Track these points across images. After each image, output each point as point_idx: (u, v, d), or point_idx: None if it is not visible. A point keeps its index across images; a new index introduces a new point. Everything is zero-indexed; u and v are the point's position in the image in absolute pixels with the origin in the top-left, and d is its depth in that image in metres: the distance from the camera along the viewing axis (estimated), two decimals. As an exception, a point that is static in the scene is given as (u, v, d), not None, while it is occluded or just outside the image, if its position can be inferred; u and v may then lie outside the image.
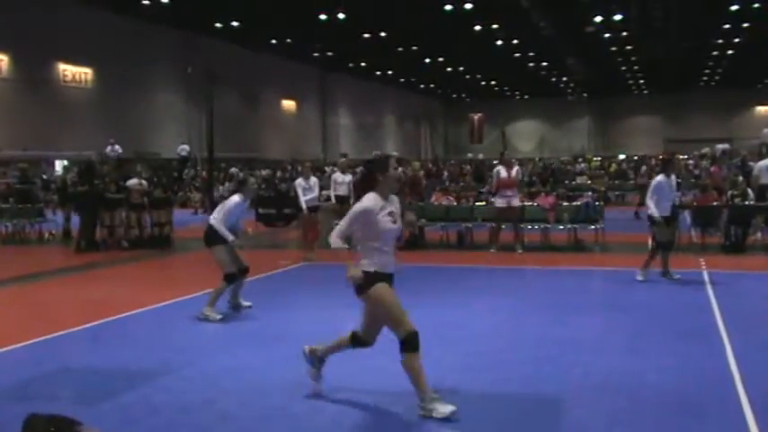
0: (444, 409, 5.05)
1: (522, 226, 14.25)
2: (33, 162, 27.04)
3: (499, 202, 14.01)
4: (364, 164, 5.85)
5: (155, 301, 9.42)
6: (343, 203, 15.23)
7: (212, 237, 8.62)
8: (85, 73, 30.61)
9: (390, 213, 5.26)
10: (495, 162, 38.26)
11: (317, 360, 5.74)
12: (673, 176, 10.73)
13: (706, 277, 10.77)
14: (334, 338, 5.79)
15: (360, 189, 5.45)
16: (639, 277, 10.45)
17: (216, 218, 8.63)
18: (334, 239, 5.29)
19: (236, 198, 8.73)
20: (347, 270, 5.24)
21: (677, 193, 11.19)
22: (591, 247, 14.24)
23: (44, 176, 26.62)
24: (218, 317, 8.42)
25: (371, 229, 5.20)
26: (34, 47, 27.24)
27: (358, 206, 5.23)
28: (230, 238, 8.53)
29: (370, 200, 5.21)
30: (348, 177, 15.55)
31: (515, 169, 14.49)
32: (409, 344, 5.15)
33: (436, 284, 10.92)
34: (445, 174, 29.25)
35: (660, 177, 10.51)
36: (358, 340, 5.56)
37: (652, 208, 10.30)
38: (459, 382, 5.99)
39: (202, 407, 5.43)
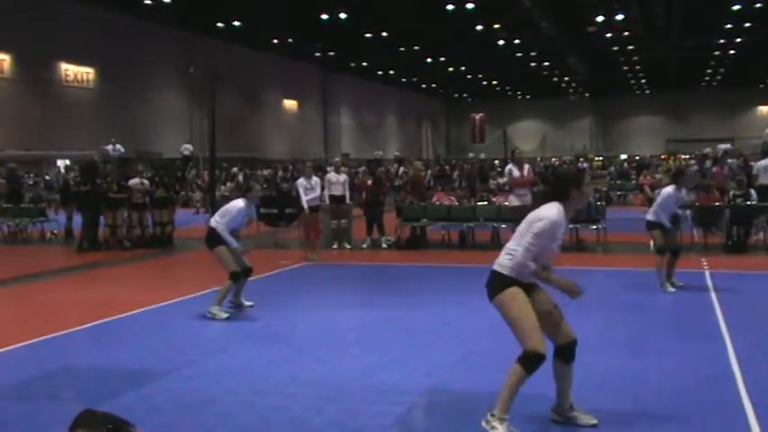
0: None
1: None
2: (35, 162, 27.11)
3: (513, 201, 13.94)
4: (556, 176, 5.28)
5: (156, 301, 9.42)
6: (339, 203, 15.21)
7: (213, 238, 8.65)
8: (87, 73, 30.64)
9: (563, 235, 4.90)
10: (496, 162, 38.37)
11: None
12: (684, 191, 10.31)
13: (708, 277, 10.75)
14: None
15: (542, 199, 4.98)
16: (671, 288, 9.84)
17: (218, 221, 8.65)
18: (531, 267, 4.75)
19: (240, 203, 8.76)
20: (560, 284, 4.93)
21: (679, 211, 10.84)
22: (592, 248, 14.23)
23: (46, 176, 26.67)
24: (225, 315, 8.45)
25: (545, 244, 4.78)
26: (36, 47, 27.26)
27: (547, 220, 4.70)
28: (234, 244, 8.61)
29: (559, 214, 4.74)
30: (343, 177, 15.50)
31: (527, 167, 14.42)
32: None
33: (438, 284, 10.92)
34: (456, 173, 29.02)
35: (670, 189, 10.00)
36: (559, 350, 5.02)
37: (660, 216, 9.82)
38: (460, 380, 5.99)
39: (203, 407, 5.43)
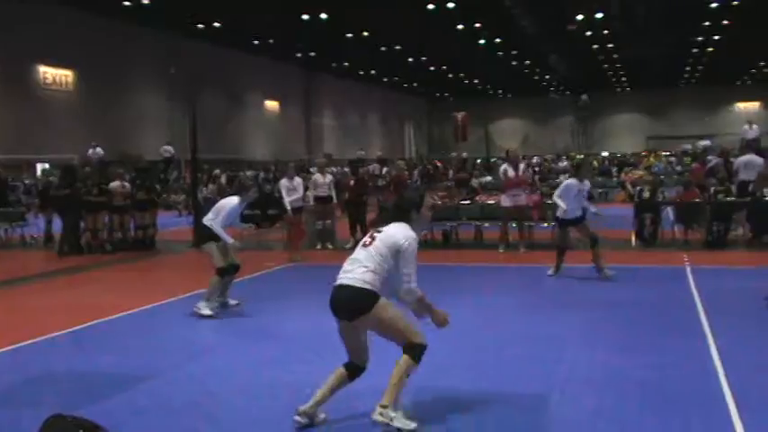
0: (408, 422, 4.77)
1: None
2: (14, 166, 26.84)
3: (506, 202, 13.92)
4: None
5: (139, 305, 9.37)
6: (325, 204, 15.19)
7: (204, 235, 8.79)
8: (66, 75, 30.39)
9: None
10: (478, 161, 38.49)
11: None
12: (586, 182, 10.96)
13: (689, 273, 10.84)
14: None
15: (388, 220, 5.17)
16: (550, 272, 10.73)
17: (212, 219, 8.67)
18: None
19: (234, 200, 8.82)
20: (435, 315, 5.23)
21: (590, 205, 11.13)
22: (575, 246, 14.28)
23: (26, 180, 26.42)
24: (209, 313, 8.48)
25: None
26: (14, 49, 27.00)
27: (412, 239, 5.10)
28: (230, 240, 8.73)
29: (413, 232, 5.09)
30: (328, 178, 15.48)
31: (522, 167, 14.42)
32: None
33: (421, 283, 10.91)
34: (451, 173, 28.83)
35: (571, 180, 10.66)
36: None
37: (561, 205, 10.49)
38: (444, 379, 6.00)
39: (188, 409, 5.41)
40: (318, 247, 14.91)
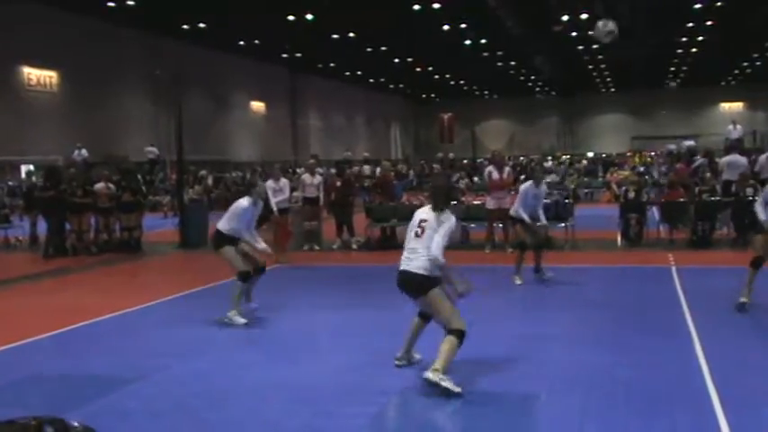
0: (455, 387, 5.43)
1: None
2: (-2, 167, 26.67)
3: (490, 204, 13.97)
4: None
5: (125, 307, 9.32)
6: (313, 205, 15.18)
7: (218, 240, 8.46)
8: (50, 76, 30.17)
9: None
10: (465, 161, 38.59)
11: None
12: (543, 187, 11.08)
13: (674, 272, 10.91)
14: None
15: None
16: (519, 281, 10.38)
17: (227, 224, 8.41)
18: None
19: (244, 202, 8.52)
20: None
21: (542, 215, 11.01)
22: (561, 245, 14.35)
23: (9, 182, 26.25)
24: (242, 321, 8.15)
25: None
26: (-3, 50, 26.81)
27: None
28: (261, 246, 8.53)
29: None
30: (317, 179, 15.46)
31: (507, 170, 14.47)
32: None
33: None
34: (457, 176, 28.54)
35: (528, 185, 10.79)
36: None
37: (520, 212, 10.56)
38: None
39: (173, 412, 5.39)
40: (305, 248, 14.88)
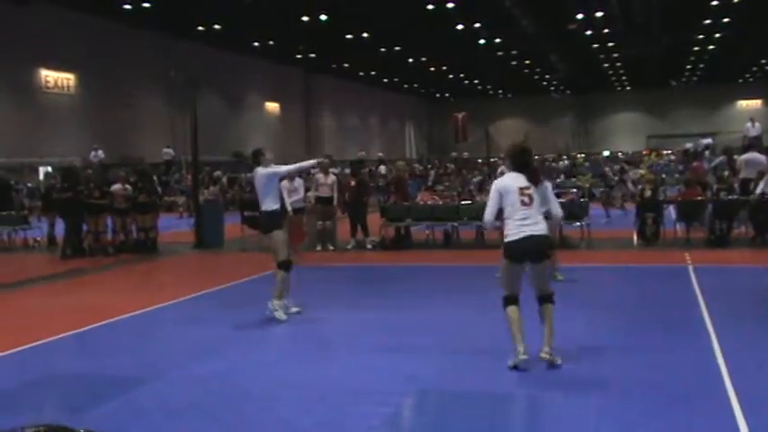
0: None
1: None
2: (17, 169, 26.88)
3: None
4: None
5: (141, 307, 9.37)
6: (326, 205, 15.17)
7: (267, 222, 8.34)
8: (68, 79, 30.40)
9: None
10: (479, 161, 38.51)
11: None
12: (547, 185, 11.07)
13: (691, 272, 10.83)
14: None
15: None
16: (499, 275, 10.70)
17: (266, 202, 8.27)
18: None
19: (259, 171, 8.38)
20: None
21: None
22: (576, 245, 14.29)
23: (28, 184, 26.45)
24: (284, 317, 8.17)
25: None
26: (15, 53, 27.00)
27: None
28: (295, 201, 8.43)
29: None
30: (331, 179, 15.46)
31: None
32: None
33: (423, 284, 10.93)
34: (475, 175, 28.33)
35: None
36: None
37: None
38: (446, 381, 6.00)
39: (190, 410, 5.41)
40: (318, 248, 14.88)
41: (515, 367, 5.97)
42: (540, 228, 6.01)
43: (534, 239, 5.97)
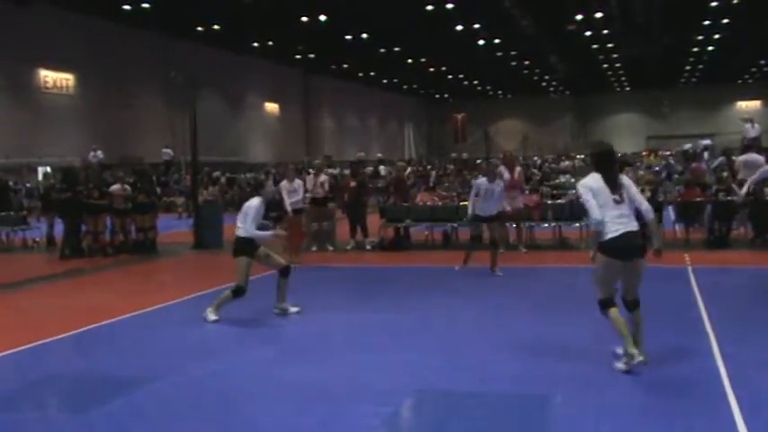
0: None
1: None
2: (16, 169, 26.87)
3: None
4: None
5: (141, 307, 9.36)
6: (320, 206, 15.14)
7: (238, 248, 8.52)
8: (67, 79, 30.41)
9: None
10: (478, 162, 38.53)
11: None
12: (498, 181, 11.51)
13: (690, 273, 10.83)
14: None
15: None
16: (456, 267, 11.40)
17: (242, 227, 8.47)
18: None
19: (255, 201, 8.61)
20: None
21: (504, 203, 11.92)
22: (576, 245, 14.29)
23: (27, 184, 26.44)
24: (213, 318, 8.39)
25: None
26: (14, 53, 27.03)
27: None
28: (268, 234, 8.67)
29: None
30: (323, 178, 15.39)
31: (518, 170, 14.52)
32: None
33: (422, 284, 10.93)
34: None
35: (481, 179, 11.41)
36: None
37: (470, 207, 11.35)
38: (446, 381, 6.00)
39: (190, 411, 5.41)
40: (314, 248, 14.85)
41: (628, 371, 5.88)
42: (635, 225, 6.01)
43: (631, 236, 5.97)
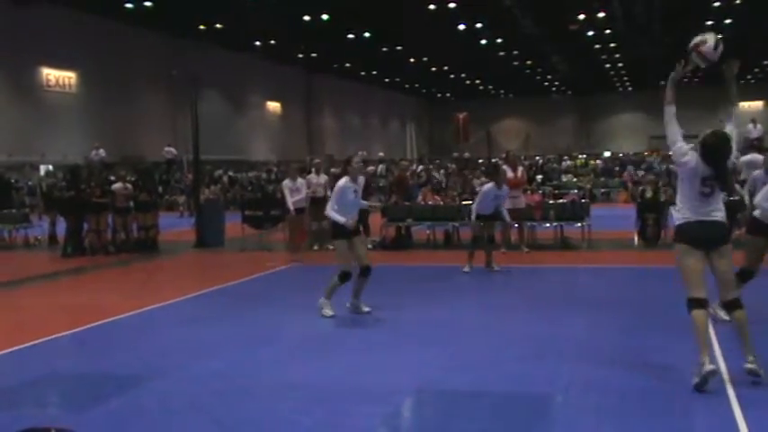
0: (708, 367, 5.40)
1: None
2: (18, 167, 26.92)
3: (506, 203, 13.98)
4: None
5: (142, 306, 9.37)
6: (320, 205, 15.12)
7: (334, 231, 8.39)
8: (69, 77, 30.44)
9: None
10: (480, 161, 38.52)
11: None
12: (505, 187, 11.64)
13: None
14: None
15: None
16: (466, 268, 11.31)
17: (330, 207, 8.29)
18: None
19: (341, 181, 8.35)
20: None
21: (506, 215, 11.84)
22: (577, 245, 14.29)
23: (29, 182, 26.49)
24: (330, 313, 8.27)
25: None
26: (17, 52, 27.05)
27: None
28: (342, 220, 8.12)
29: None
30: (323, 178, 15.39)
31: (521, 169, 14.57)
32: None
33: (423, 284, 10.93)
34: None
35: (489, 186, 11.40)
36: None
37: (473, 210, 11.40)
38: (447, 380, 6.00)
39: (191, 410, 5.41)
40: (315, 247, 14.85)
41: (702, 384, 5.37)
42: (721, 215, 5.79)
43: (716, 224, 5.78)
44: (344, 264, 8.26)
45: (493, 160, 39.74)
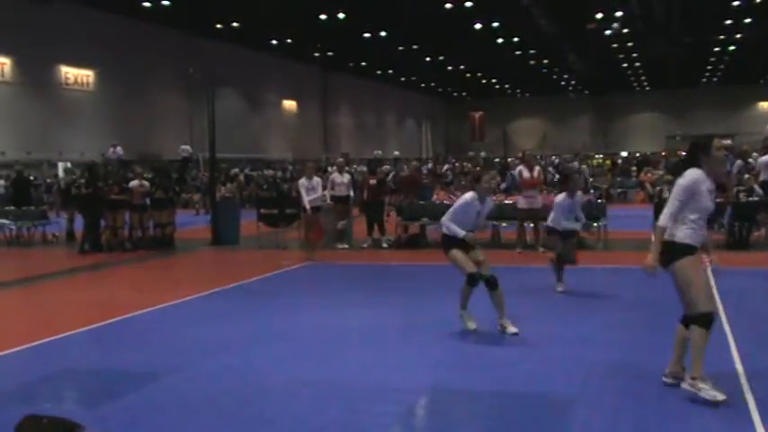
0: (716, 394, 5.10)
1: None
2: (36, 165, 27.13)
3: (522, 203, 13.94)
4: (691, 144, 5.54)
5: (157, 302, 9.41)
6: (342, 203, 15.17)
7: (444, 242, 7.88)
8: (87, 75, 30.64)
9: (710, 191, 5.40)
10: (496, 160, 38.42)
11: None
12: (579, 193, 10.20)
13: (710, 274, 10.71)
14: None
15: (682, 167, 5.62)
16: (559, 288, 9.83)
17: (444, 218, 7.82)
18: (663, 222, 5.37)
19: (467, 196, 7.74)
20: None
21: (581, 217, 10.20)
22: (594, 245, 14.21)
23: (47, 179, 26.68)
24: (473, 327, 7.61)
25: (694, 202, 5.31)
26: (36, 50, 27.27)
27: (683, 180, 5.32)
28: (461, 233, 7.56)
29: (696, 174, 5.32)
30: (346, 177, 15.48)
31: (537, 169, 14.47)
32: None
33: (438, 283, 10.89)
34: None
35: (562, 197, 9.92)
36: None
37: (550, 220, 9.96)
38: (463, 380, 5.98)
39: (205, 406, 5.42)
40: (339, 246, 14.90)
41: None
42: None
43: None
44: (467, 267, 7.61)
45: (509, 159, 39.69)
